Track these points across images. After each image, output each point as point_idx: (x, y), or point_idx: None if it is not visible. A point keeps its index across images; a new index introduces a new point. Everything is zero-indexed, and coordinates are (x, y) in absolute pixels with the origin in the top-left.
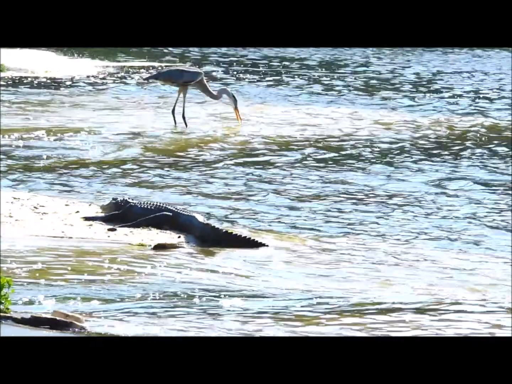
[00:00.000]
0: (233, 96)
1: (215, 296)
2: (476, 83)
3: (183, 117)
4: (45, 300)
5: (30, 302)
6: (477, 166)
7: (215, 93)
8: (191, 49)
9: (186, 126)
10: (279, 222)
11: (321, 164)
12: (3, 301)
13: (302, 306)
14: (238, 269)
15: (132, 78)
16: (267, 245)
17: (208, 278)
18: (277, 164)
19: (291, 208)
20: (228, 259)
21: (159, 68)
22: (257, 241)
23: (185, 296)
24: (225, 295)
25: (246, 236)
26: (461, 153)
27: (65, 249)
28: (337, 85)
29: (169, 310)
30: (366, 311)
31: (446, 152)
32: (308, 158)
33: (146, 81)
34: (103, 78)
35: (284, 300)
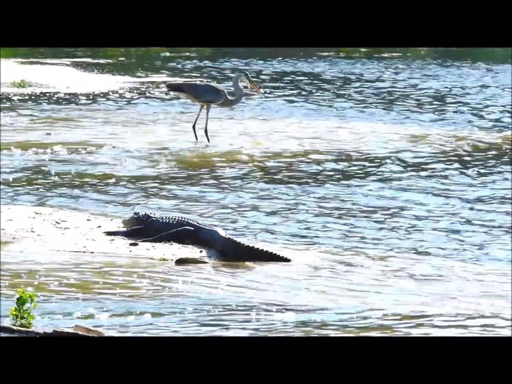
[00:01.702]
0: (243, 72)
1: (266, 311)
2: (494, 97)
3: (206, 132)
4: (100, 314)
5: (88, 317)
6: (493, 180)
7: (232, 97)
8: (210, 63)
9: (208, 141)
10: (296, 236)
11: (338, 179)
12: (25, 316)
13: (350, 319)
14: (269, 283)
15: (153, 93)
16: (289, 260)
17: (244, 292)
18: (296, 179)
19: (309, 223)
20: (254, 274)
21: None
22: (279, 255)
23: (237, 311)
24: (272, 310)
25: (268, 251)
26: (479, 168)
27: (89, 264)
28: (356, 100)
29: (230, 326)
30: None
31: (462, 166)
32: (327, 173)
33: (168, 89)
34: (124, 94)
35: (334, 313)
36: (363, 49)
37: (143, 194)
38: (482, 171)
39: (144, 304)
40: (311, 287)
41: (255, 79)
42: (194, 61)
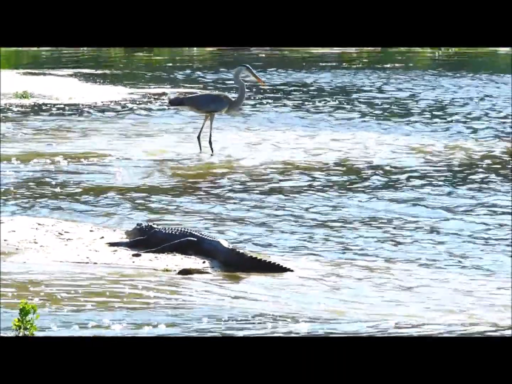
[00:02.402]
0: (244, 65)
1: (281, 321)
2: (491, 108)
3: (210, 143)
4: (114, 325)
5: (98, 326)
6: (492, 191)
7: (236, 99)
8: (210, 74)
9: (212, 151)
10: (297, 247)
11: (330, 189)
12: (28, 327)
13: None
14: (275, 295)
15: (155, 104)
16: (292, 270)
17: (250, 303)
18: (298, 190)
19: (309, 234)
20: (258, 284)
21: (184, 94)
22: (282, 266)
23: (252, 323)
24: (282, 320)
25: (270, 261)
26: (479, 179)
27: (93, 274)
28: (354, 111)
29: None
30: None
31: (456, 177)
32: (318, 183)
33: (169, 105)
34: (125, 104)
35: (346, 323)
36: (364, 59)
37: (146, 205)
38: (477, 181)
39: (152, 315)
40: (314, 298)
41: (253, 90)
42: (190, 71)
